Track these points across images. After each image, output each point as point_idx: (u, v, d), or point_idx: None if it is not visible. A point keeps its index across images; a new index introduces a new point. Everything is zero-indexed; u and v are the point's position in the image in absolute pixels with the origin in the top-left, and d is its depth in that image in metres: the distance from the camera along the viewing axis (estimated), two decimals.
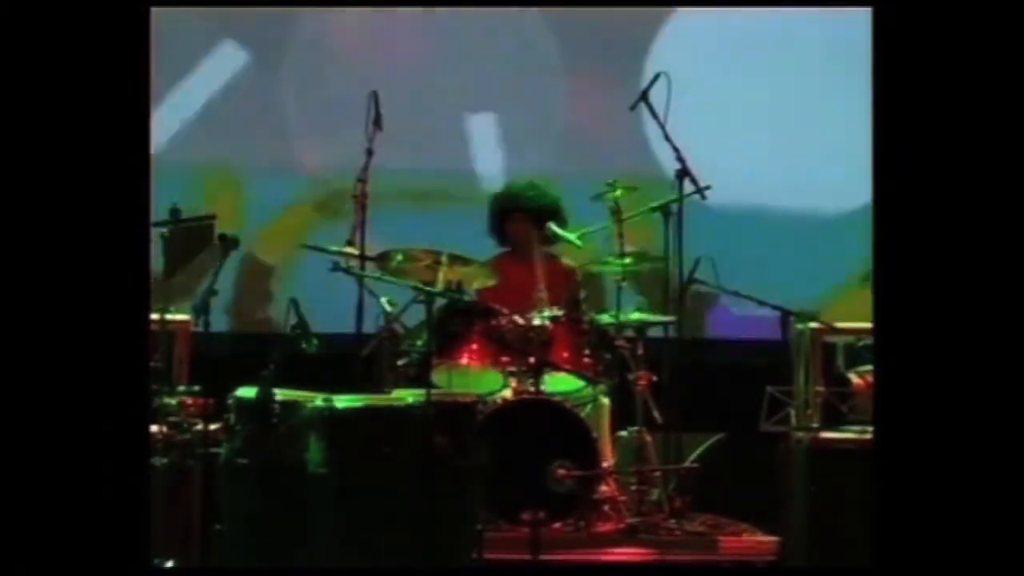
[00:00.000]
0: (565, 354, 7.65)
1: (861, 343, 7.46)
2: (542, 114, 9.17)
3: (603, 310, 7.97)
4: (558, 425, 7.38)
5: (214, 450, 6.54)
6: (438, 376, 7.41)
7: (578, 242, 8.00)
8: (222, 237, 6.86)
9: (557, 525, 7.24)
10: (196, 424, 6.75)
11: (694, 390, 7.64)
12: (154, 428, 6.66)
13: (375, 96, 7.48)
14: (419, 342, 7.34)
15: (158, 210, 6.52)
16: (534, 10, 9.15)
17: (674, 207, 7.73)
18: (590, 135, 9.16)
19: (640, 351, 7.80)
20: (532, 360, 7.54)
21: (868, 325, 6.71)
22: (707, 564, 7.27)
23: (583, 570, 7.19)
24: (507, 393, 7.59)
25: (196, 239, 7.08)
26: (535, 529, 6.87)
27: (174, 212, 6.99)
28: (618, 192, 7.89)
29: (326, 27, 9.10)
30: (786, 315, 7.56)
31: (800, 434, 7.38)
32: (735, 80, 9.12)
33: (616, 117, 8.62)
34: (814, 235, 9.14)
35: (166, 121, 8.77)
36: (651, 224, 7.88)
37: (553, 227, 8.04)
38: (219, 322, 6.75)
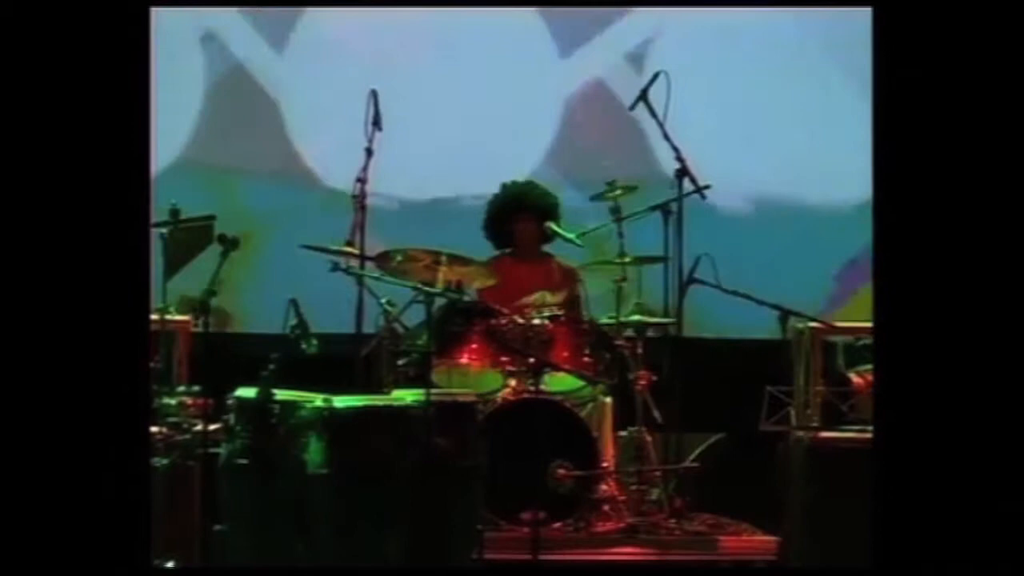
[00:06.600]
0: (565, 354, 7.64)
1: (861, 342, 7.46)
2: (540, 113, 9.16)
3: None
4: (558, 425, 7.37)
5: (214, 450, 6.53)
6: (438, 376, 7.40)
7: (578, 241, 8.00)
8: (222, 237, 6.85)
9: (557, 525, 7.23)
10: (196, 424, 6.75)
11: (694, 390, 7.63)
12: (154, 428, 6.67)
13: (375, 95, 7.47)
14: (419, 342, 7.33)
15: (158, 210, 6.52)
16: (533, 10, 9.15)
17: (674, 206, 7.73)
18: (589, 135, 9.16)
19: (640, 351, 7.80)
20: (532, 360, 7.54)
21: (868, 324, 6.72)
22: (707, 564, 7.27)
23: (583, 570, 7.19)
24: (507, 393, 7.59)
25: (196, 239, 7.07)
26: (535, 529, 6.87)
27: (174, 212, 6.99)
28: (618, 192, 7.89)
29: (326, 26, 9.09)
30: (786, 314, 7.56)
31: (800, 433, 7.37)
32: (734, 79, 9.11)
33: (615, 116, 8.62)
34: (814, 233, 9.14)
35: (165, 121, 8.75)
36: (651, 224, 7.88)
37: (554, 226, 8.04)
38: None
